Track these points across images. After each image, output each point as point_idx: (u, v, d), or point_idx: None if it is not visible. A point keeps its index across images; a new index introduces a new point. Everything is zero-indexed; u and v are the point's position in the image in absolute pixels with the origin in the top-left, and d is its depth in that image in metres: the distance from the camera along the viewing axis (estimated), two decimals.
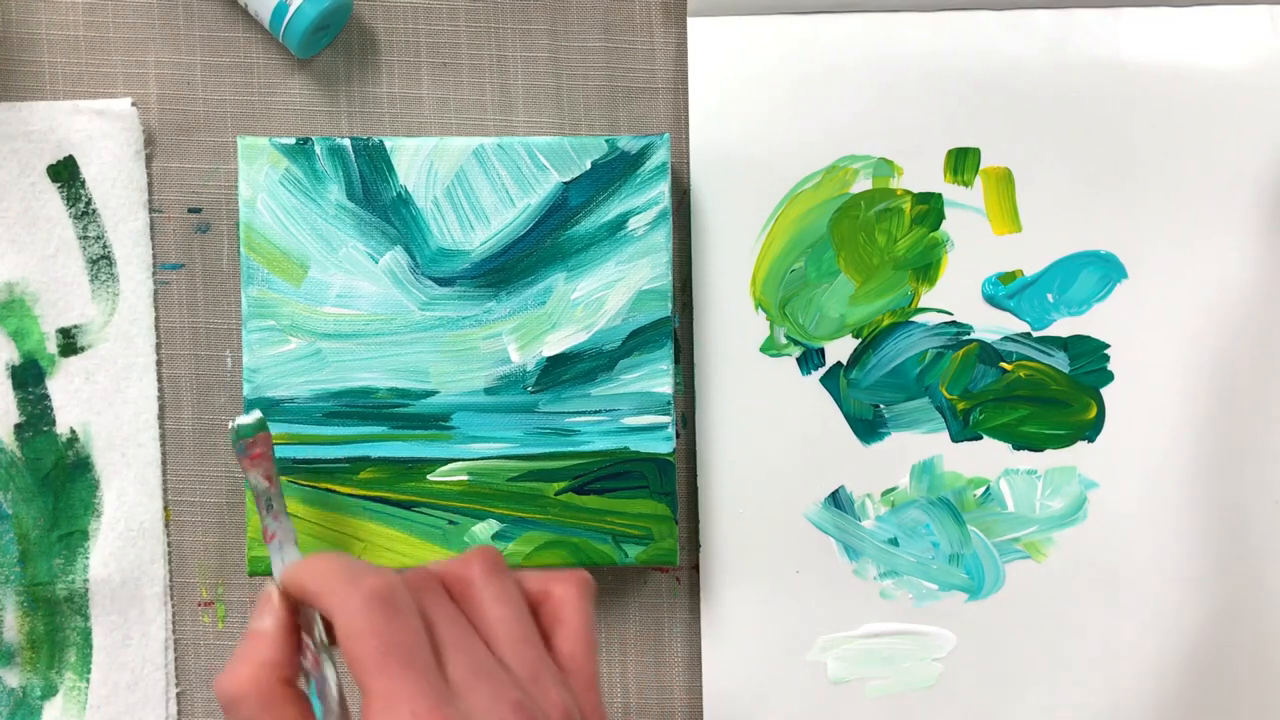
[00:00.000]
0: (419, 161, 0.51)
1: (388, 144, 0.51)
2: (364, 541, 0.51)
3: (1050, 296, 0.55)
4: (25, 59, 0.55)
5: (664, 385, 0.52)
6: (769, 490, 0.54)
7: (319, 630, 0.39)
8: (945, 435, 0.54)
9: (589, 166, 0.52)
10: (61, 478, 0.54)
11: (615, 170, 0.52)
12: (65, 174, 0.54)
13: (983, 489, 0.55)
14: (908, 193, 0.54)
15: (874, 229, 0.54)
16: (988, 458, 0.54)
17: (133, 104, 0.55)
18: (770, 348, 0.54)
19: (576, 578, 0.39)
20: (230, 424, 0.46)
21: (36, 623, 0.54)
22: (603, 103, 0.55)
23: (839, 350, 0.54)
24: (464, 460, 0.52)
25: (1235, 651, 0.54)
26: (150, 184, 0.55)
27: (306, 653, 0.38)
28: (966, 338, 0.54)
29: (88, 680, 0.54)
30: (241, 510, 0.55)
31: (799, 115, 0.54)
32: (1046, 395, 0.55)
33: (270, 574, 0.51)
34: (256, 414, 0.46)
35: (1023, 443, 0.54)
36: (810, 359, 0.54)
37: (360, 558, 0.38)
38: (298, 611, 0.38)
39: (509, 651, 0.36)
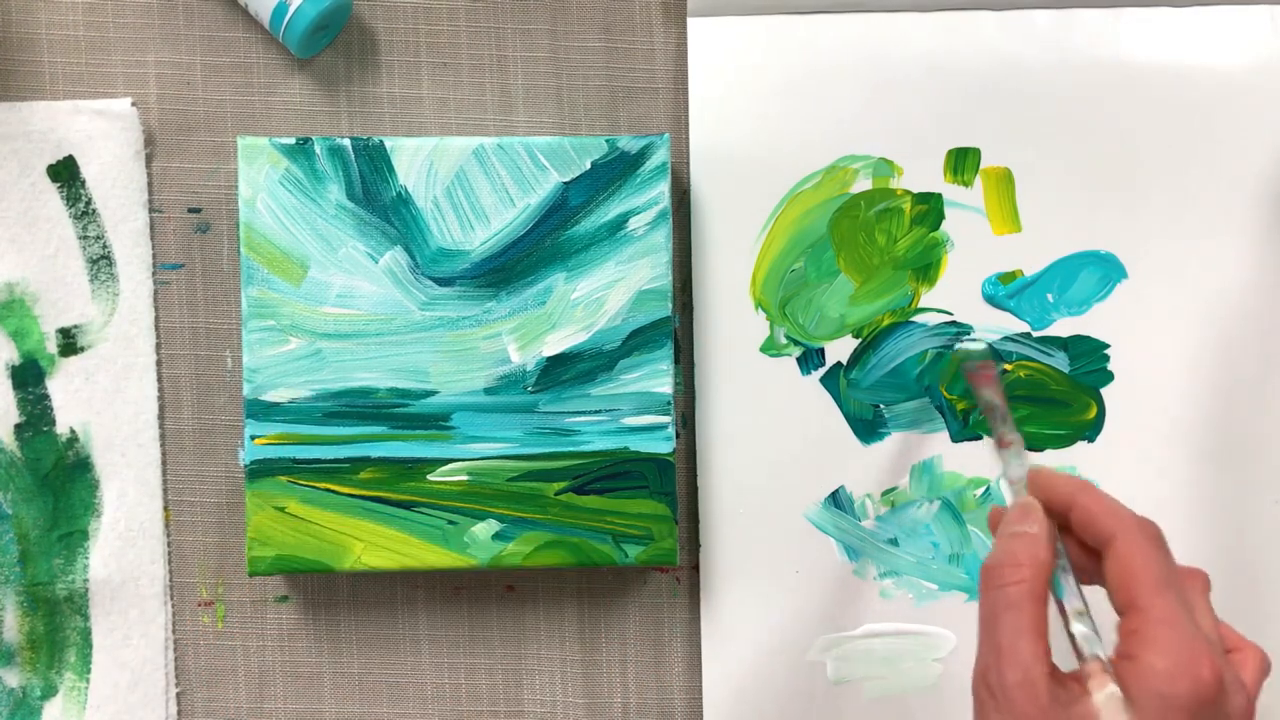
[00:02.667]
0: (419, 161, 0.51)
1: (388, 144, 0.51)
2: (364, 541, 0.51)
3: (1050, 296, 0.55)
4: (25, 59, 0.55)
5: (664, 385, 0.52)
6: (769, 490, 0.54)
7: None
8: (945, 435, 0.54)
9: (589, 166, 0.52)
10: (61, 478, 0.54)
11: (615, 170, 0.52)
12: (65, 174, 0.54)
13: (983, 489, 0.55)
14: (908, 193, 0.54)
15: (874, 229, 0.54)
16: (988, 458, 0.54)
17: (133, 104, 0.55)
18: (770, 348, 0.54)
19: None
20: (957, 347, 0.53)
21: (36, 623, 0.54)
22: (603, 103, 0.55)
23: (839, 350, 0.54)
24: (464, 460, 0.52)
25: None
26: (150, 184, 0.55)
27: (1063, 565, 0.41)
28: (966, 338, 0.54)
29: (88, 680, 0.54)
30: (241, 510, 0.55)
31: (799, 115, 0.54)
32: (1046, 395, 0.55)
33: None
34: (982, 344, 0.50)
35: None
36: (810, 359, 0.54)
37: None
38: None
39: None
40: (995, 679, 0.38)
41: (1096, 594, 0.41)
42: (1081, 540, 0.41)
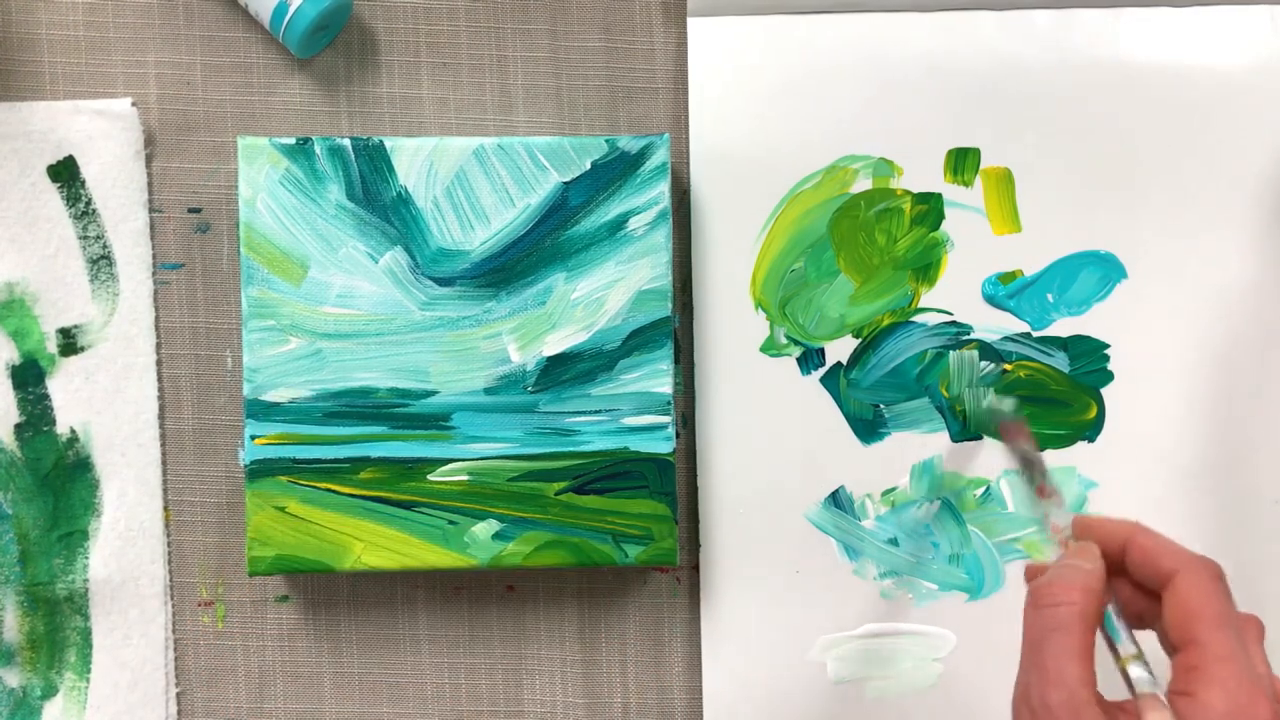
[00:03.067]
0: (419, 161, 0.52)
1: (388, 144, 0.51)
2: (364, 541, 0.51)
3: (1050, 296, 0.55)
4: (25, 59, 0.55)
5: (664, 385, 0.52)
6: (769, 490, 0.54)
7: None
8: (945, 435, 0.54)
9: (589, 166, 0.52)
10: (61, 478, 0.54)
11: (615, 170, 0.52)
12: (65, 174, 0.54)
13: (983, 489, 0.55)
14: (908, 193, 0.54)
15: (874, 229, 0.54)
16: (988, 458, 0.54)
17: (133, 104, 0.55)
18: (770, 348, 0.54)
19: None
20: (988, 404, 0.53)
21: (36, 623, 0.54)
22: (603, 103, 0.55)
23: (839, 350, 0.54)
24: (464, 460, 0.52)
25: None
26: (150, 184, 0.55)
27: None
28: (966, 338, 0.54)
29: (88, 680, 0.54)
30: (241, 510, 0.55)
31: (799, 115, 0.54)
32: (1046, 395, 0.55)
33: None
34: (1014, 401, 0.53)
35: None
36: (810, 359, 0.54)
37: None
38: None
39: None
40: (1038, 699, 0.38)
41: (1146, 642, 0.41)
42: (1136, 583, 0.41)
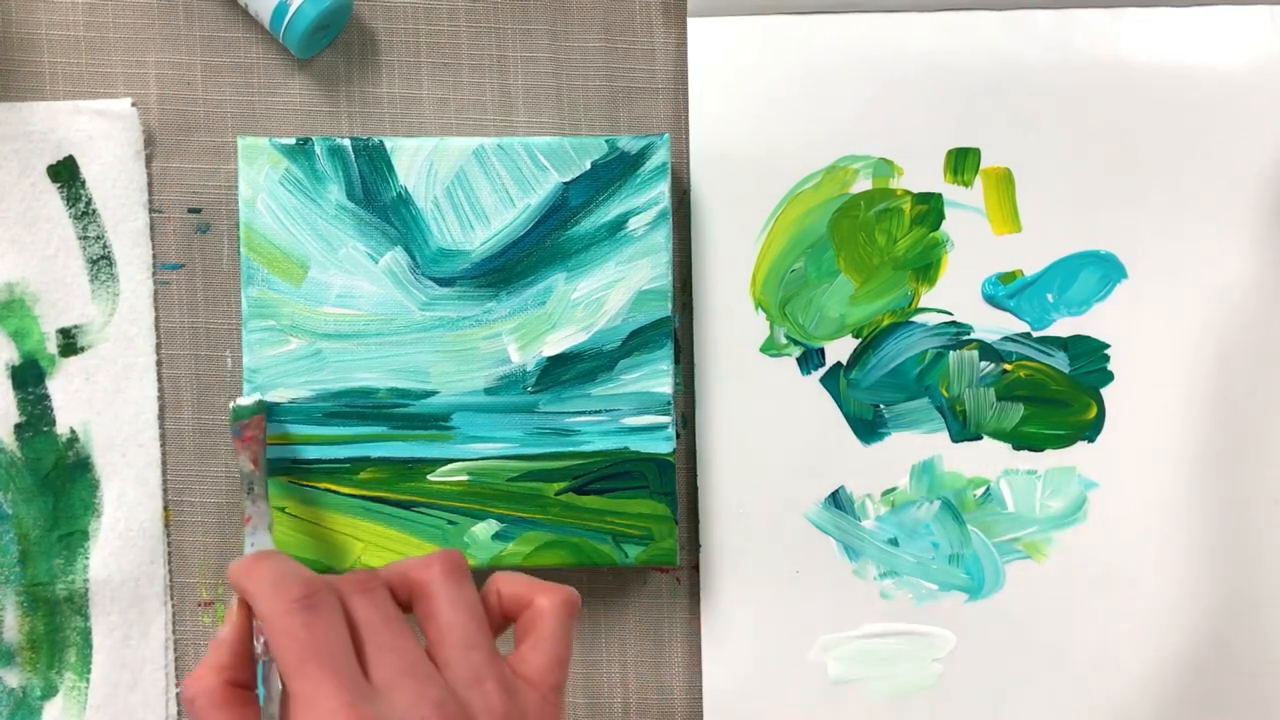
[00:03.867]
0: (419, 161, 0.51)
1: (388, 144, 0.51)
2: (364, 541, 0.51)
3: (1050, 296, 0.55)
4: (25, 59, 0.55)
5: (664, 385, 0.52)
6: (769, 490, 0.54)
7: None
8: (945, 435, 0.54)
9: (589, 167, 0.52)
10: (61, 478, 0.54)
11: (615, 170, 0.52)
12: (65, 174, 0.54)
13: (983, 489, 0.55)
14: (908, 193, 0.54)
15: (874, 229, 0.54)
16: (988, 458, 0.54)
17: (133, 104, 0.55)
18: (770, 348, 0.54)
19: (561, 593, 0.40)
20: (230, 403, 0.49)
21: (36, 623, 0.54)
22: (603, 103, 0.55)
23: (839, 350, 0.54)
24: (464, 460, 0.52)
25: (1235, 651, 0.54)
26: (150, 184, 0.55)
27: (260, 640, 0.40)
28: (966, 338, 0.54)
29: (88, 680, 0.54)
30: (241, 510, 0.55)
31: (799, 115, 0.54)
32: (1046, 395, 0.55)
33: None
34: (256, 397, 0.50)
35: (1023, 443, 0.54)
36: (810, 359, 0.54)
37: (292, 559, 0.40)
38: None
39: (454, 654, 0.37)
40: None
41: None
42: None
